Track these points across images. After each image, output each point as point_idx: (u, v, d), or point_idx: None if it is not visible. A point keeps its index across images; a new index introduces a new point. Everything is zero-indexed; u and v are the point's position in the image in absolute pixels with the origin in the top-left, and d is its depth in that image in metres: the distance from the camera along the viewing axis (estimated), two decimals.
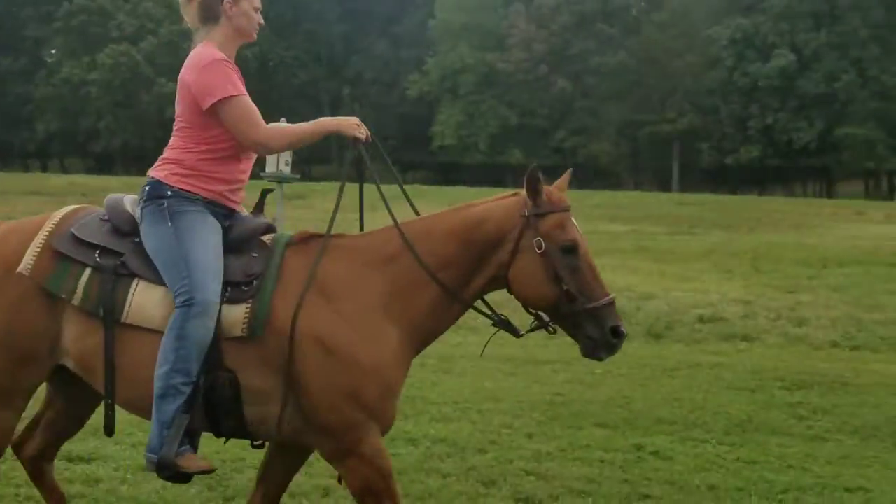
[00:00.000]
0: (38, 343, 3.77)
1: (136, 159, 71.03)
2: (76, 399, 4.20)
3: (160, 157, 3.96)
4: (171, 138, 3.97)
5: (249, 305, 3.65)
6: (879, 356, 10.87)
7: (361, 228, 4.09)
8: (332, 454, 3.71)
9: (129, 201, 3.93)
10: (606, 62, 65.34)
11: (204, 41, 3.93)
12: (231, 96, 3.74)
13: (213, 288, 3.59)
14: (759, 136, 64.21)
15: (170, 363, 3.54)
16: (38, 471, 4.36)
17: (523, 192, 3.79)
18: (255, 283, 3.70)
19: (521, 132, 66.55)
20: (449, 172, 69.73)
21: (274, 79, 72.81)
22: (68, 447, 5.54)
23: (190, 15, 4.01)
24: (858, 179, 68.83)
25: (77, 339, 3.76)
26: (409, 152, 71.11)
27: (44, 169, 72.66)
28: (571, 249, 3.69)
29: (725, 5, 66.53)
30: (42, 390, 4.17)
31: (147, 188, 3.85)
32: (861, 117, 60.55)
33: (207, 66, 3.77)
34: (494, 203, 3.90)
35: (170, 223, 3.75)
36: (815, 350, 11.18)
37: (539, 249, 3.66)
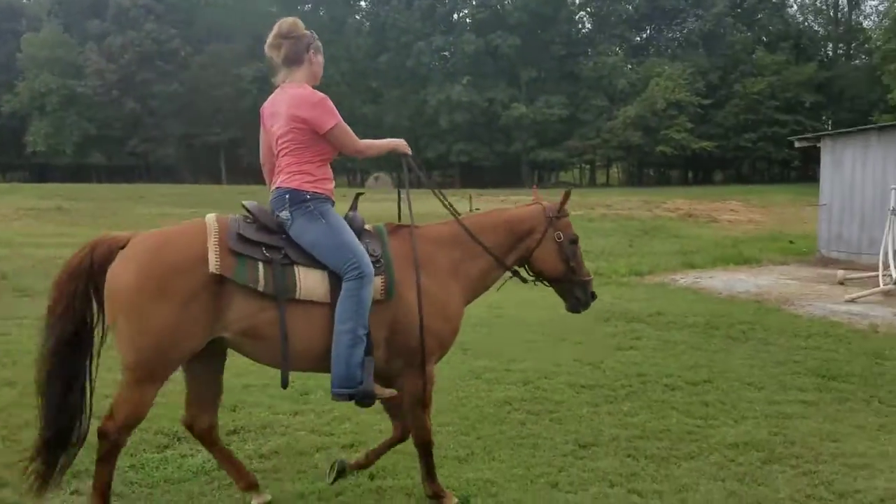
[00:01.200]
0: (207, 324, 3.27)
1: None
2: (218, 369, 3.68)
3: (286, 172, 3.55)
4: (285, 157, 3.56)
5: (383, 277, 3.50)
6: None
7: (399, 217, 4.02)
8: (401, 370, 3.60)
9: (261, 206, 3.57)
10: (164, 90, 62.07)
11: (292, 81, 3.61)
12: (338, 122, 3.54)
13: (370, 261, 3.43)
14: None
15: (354, 320, 3.32)
16: (213, 442, 3.67)
17: (544, 202, 4.02)
18: (381, 260, 3.53)
19: (101, 140, 61.45)
20: (43, 172, 62.30)
21: None
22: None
23: (276, 56, 3.64)
24: (345, 174, 72.68)
25: (250, 316, 3.29)
26: (5, 157, 63.98)
27: None
28: (575, 241, 3.97)
29: (248, 52, 66.02)
30: None
31: (287, 196, 3.50)
32: None
33: (318, 102, 3.51)
34: (528, 209, 4.02)
35: (323, 220, 3.48)
36: None
37: (558, 240, 3.91)
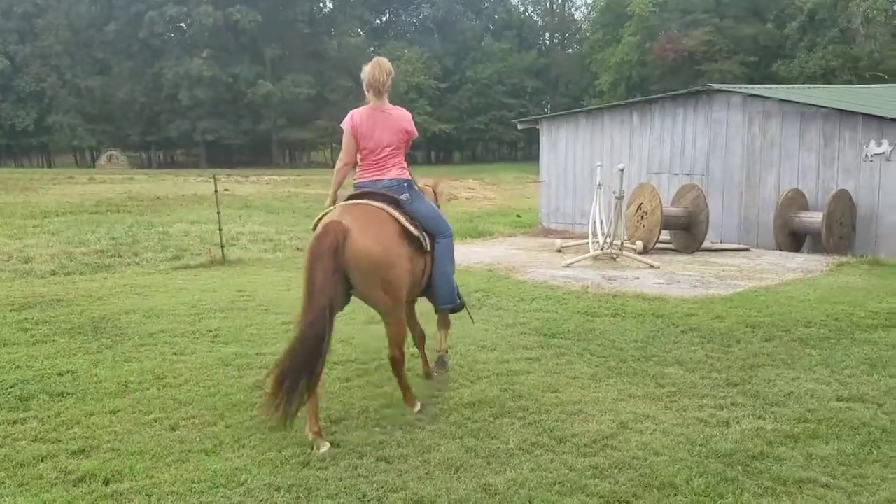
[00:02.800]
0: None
1: None
2: None
3: (398, 168, 4.84)
4: (392, 158, 4.83)
5: None
6: (85, 277, 10.47)
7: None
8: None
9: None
10: None
11: (381, 103, 4.85)
12: None
13: None
14: None
15: (452, 262, 5.09)
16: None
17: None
18: None
19: None
20: None
21: None
22: None
23: (379, 87, 4.78)
24: (70, 154, 65.25)
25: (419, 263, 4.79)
26: None
27: None
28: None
29: None
30: None
31: (405, 184, 4.83)
32: (64, 109, 57.41)
33: (410, 118, 4.97)
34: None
35: (426, 198, 5.08)
36: (38, 279, 10.32)
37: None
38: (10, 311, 7.80)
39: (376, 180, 4.77)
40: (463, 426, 4.48)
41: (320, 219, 4.60)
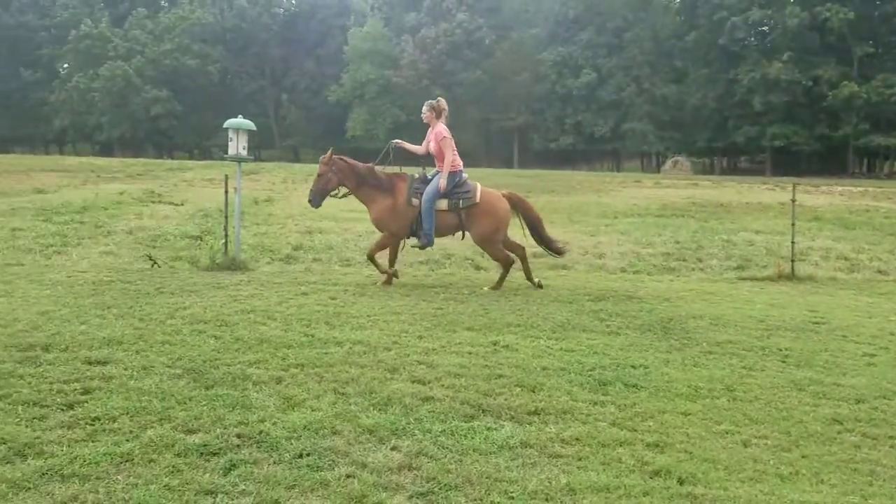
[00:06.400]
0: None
1: (130, 146, 68.36)
2: None
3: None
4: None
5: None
6: (653, 277, 11.18)
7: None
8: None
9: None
10: (469, 77, 65.80)
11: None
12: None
13: None
14: (572, 130, 65.65)
15: None
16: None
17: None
18: None
19: (410, 126, 67.26)
20: (357, 155, 69.69)
21: (231, 87, 71.50)
22: (87, 354, 5.31)
23: (443, 112, 9.43)
24: (637, 159, 71.07)
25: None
26: (329, 141, 72.76)
27: (60, 153, 69.00)
28: None
29: (549, 37, 67.26)
30: None
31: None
32: (638, 116, 62.61)
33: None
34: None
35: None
36: (610, 274, 11.42)
37: None
38: (588, 300, 8.78)
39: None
40: None
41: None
